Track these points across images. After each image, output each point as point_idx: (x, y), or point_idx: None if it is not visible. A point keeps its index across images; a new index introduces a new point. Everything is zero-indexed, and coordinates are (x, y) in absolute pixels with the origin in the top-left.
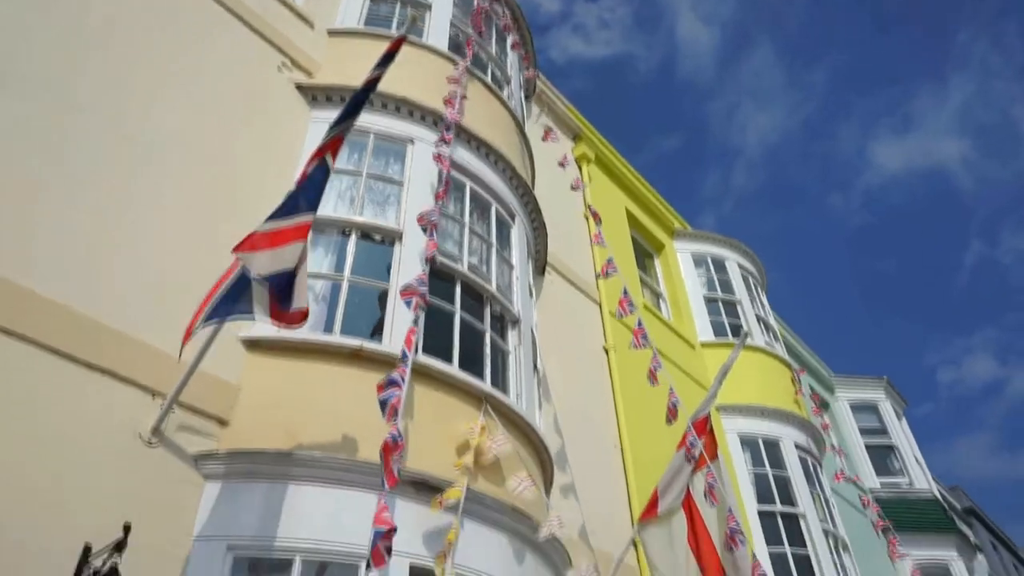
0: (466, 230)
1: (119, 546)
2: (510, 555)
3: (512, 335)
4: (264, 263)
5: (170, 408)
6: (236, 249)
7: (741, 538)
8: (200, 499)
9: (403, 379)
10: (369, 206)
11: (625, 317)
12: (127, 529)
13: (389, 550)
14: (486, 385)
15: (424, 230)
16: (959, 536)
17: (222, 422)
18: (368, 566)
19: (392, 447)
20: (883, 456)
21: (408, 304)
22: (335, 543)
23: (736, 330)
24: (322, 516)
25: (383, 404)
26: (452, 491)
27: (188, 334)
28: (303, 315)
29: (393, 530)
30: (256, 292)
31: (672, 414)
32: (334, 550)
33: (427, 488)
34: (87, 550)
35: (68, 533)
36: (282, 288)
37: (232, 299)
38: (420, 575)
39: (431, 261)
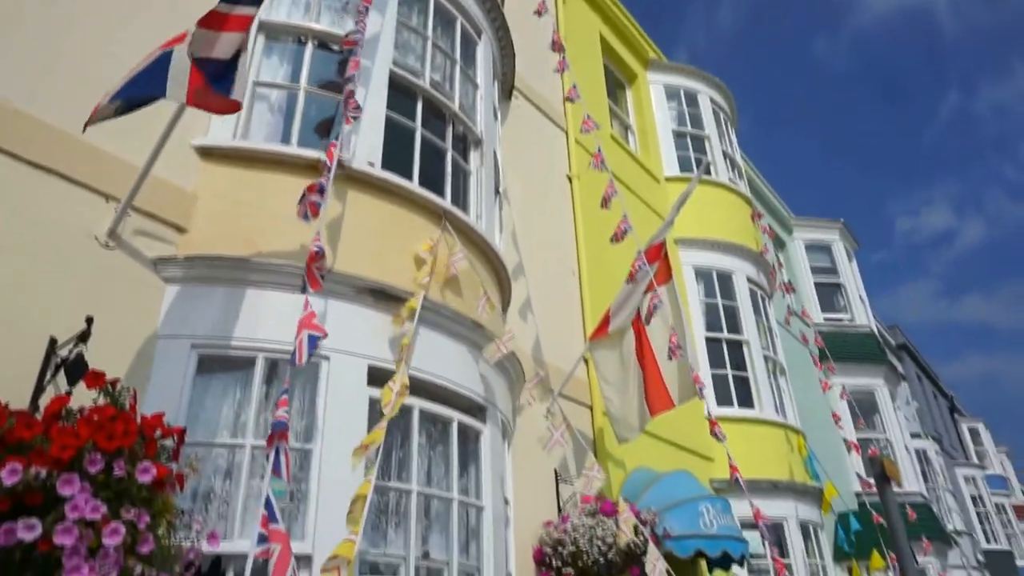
0: (428, 44)
1: (83, 336)
2: (466, 363)
3: (474, 156)
4: (204, 44)
5: (125, 211)
6: (200, 22)
7: (682, 352)
8: (162, 301)
9: (326, 185)
10: (326, 13)
11: (589, 133)
12: (89, 321)
13: (312, 351)
14: (446, 202)
15: (350, 52)
16: (888, 367)
17: (180, 229)
18: (294, 363)
19: (315, 257)
20: (830, 294)
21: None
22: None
23: None
24: (282, 318)
25: (301, 199)
26: (411, 301)
27: (95, 112)
28: (232, 107)
29: (321, 336)
30: (176, 71)
31: (619, 236)
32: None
33: (385, 297)
34: (53, 342)
35: (33, 330)
36: (216, 76)
37: (146, 78)
38: (377, 375)
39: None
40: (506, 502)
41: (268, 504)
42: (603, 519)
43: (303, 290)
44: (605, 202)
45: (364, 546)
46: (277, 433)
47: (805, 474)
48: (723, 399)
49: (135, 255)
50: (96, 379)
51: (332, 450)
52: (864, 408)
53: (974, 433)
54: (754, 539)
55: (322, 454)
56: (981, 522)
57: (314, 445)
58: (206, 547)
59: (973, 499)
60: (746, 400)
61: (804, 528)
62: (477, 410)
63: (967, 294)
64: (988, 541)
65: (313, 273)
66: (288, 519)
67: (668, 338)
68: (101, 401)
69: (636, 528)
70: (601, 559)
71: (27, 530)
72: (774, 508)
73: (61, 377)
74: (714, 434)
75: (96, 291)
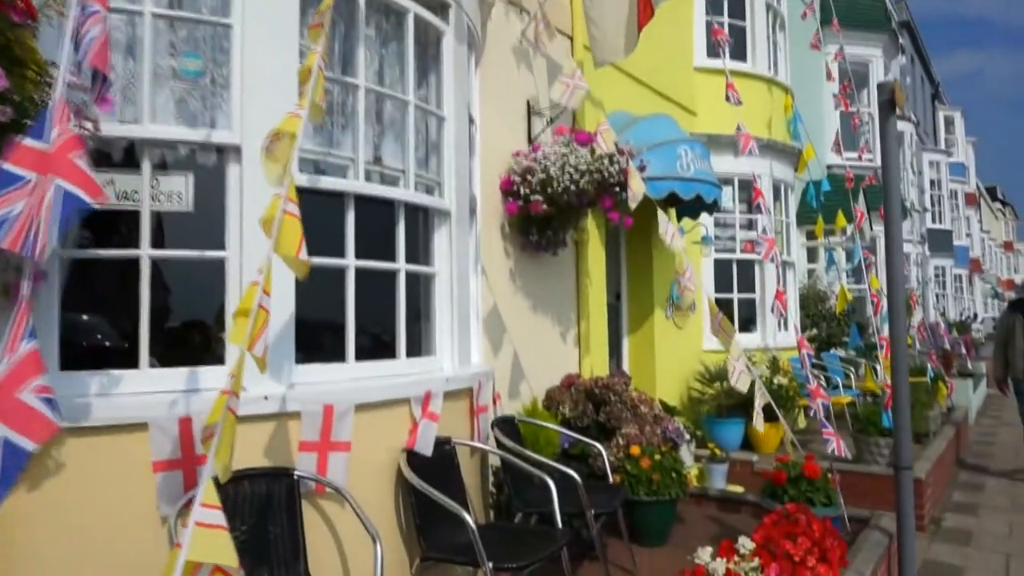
0: None
1: None
2: None
3: None
4: None
5: None
6: None
7: None
8: None
9: None
10: None
11: None
12: None
13: None
14: None
15: None
16: (890, 36)
17: None
18: None
19: None
20: None
21: None
22: None
23: None
24: None
25: None
26: None
27: None
28: None
29: None
30: None
31: None
32: None
33: None
34: None
35: None
36: None
37: None
38: None
39: None
40: (471, 121)
41: None
42: (577, 147)
43: None
44: None
45: (308, 144)
46: None
47: (786, 133)
48: (714, 49)
49: None
50: None
51: (255, 28)
52: (856, 80)
53: (949, 121)
54: (726, 194)
55: (244, 32)
56: (933, 204)
57: (233, 20)
58: (101, 118)
59: (932, 182)
60: (739, 52)
61: (776, 187)
62: (439, 7)
63: None
64: (934, 221)
65: None
66: (210, 108)
67: None
68: None
69: (612, 157)
70: (572, 187)
71: None
72: (750, 165)
73: None
74: (728, 97)
75: None
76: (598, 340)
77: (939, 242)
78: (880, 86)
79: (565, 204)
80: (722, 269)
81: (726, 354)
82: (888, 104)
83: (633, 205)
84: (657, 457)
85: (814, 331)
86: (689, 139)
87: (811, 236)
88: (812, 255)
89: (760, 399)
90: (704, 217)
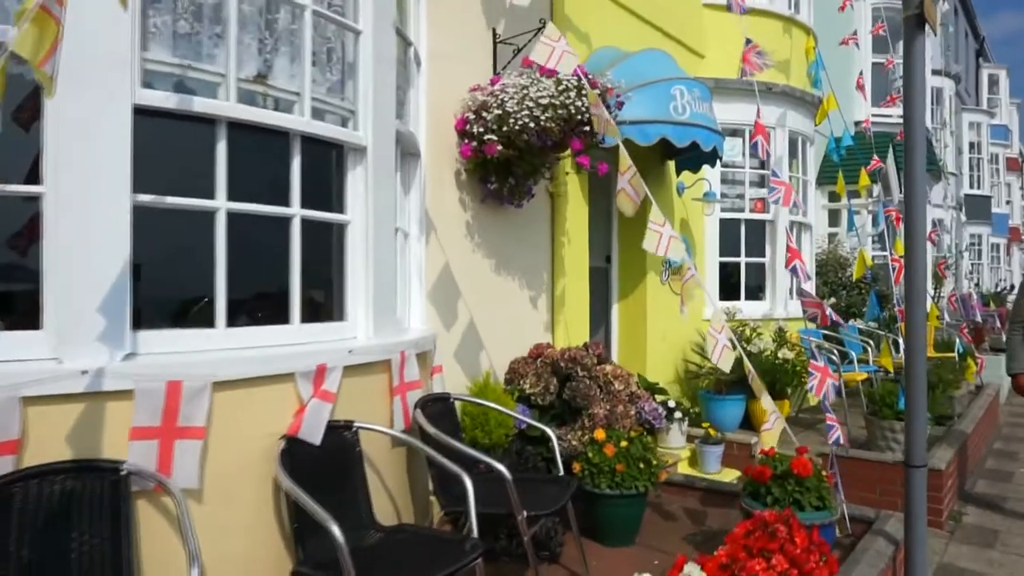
0: None
1: None
2: None
3: None
4: None
5: None
6: None
7: None
8: None
9: None
10: None
11: None
12: None
13: None
14: None
15: None
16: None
17: None
18: None
19: None
20: None
21: None
22: None
23: None
24: None
25: None
26: None
27: None
28: None
29: None
30: None
31: None
32: None
33: None
34: None
35: None
36: None
37: None
38: None
39: None
40: (407, 42)
41: None
42: (540, 79)
43: None
44: None
45: (164, 54)
46: None
47: (806, 81)
48: None
49: None
50: None
51: None
52: (890, 28)
53: (993, 80)
54: (735, 146)
55: None
56: (972, 168)
57: None
58: None
59: (971, 145)
60: None
61: (792, 140)
62: None
63: None
64: (972, 186)
65: None
66: None
67: None
68: None
69: (580, 89)
70: (532, 124)
71: None
72: (764, 114)
73: None
74: (731, 5)
75: None
76: (576, 306)
77: (977, 209)
78: None
79: (525, 145)
80: (729, 230)
81: (729, 324)
82: (915, 20)
83: (598, 143)
84: (624, 443)
85: (832, 300)
86: (687, 78)
87: (833, 197)
88: (833, 219)
89: (754, 381)
90: (708, 171)
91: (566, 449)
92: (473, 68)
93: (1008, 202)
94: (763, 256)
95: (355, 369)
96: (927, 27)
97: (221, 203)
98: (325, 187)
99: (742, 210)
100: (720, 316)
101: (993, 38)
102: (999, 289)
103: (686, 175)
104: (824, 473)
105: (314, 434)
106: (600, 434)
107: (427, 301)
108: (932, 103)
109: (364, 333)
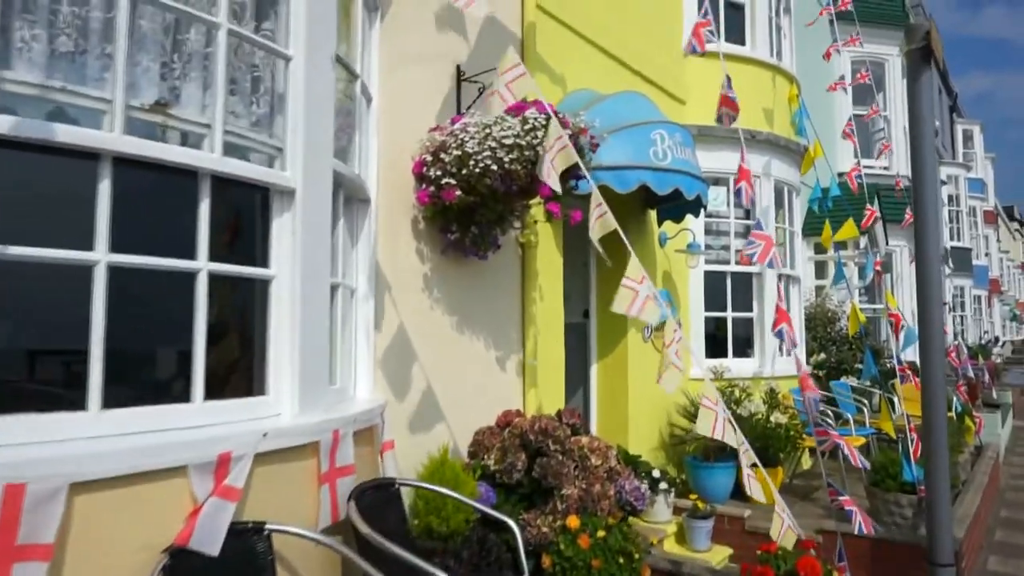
0: None
1: None
2: None
3: None
4: None
5: None
6: None
7: None
8: None
9: None
10: None
11: None
12: None
13: None
14: None
15: None
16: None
17: None
18: None
19: None
20: None
21: None
22: None
23: None
24: None
25: None
26: None
27: None
28: None
29: None
30: None
31: None
32: None
33: None
34: None
35: None
36: None
37: None
38: None
39: None
40: (352, 74)
41: None
42: (505, 117)
43: None
44: None
45: (25, 75)
46: None
47: (790, 128)
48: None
49: None
50: None
51: None
52: (874, 77)
53: (968, 135)
54: (719, 195)
55: None
56: (951, 220)
57: None
58: None
59: (950, 198)
60: (736, 34)
61: (778, 189)
62: None
63: (993, 4)
64: (951, 238)
65: None
66: None
67: None
68: None
69: (550, 128)
70: (494, 166)
71: None
72: (748, 162)
73: None
74: (721, 119)
75: None
76: (551, 367)
77: (958, 261)
78: (909, 30)
79: (488, 190)
80: (714, 283)
81: (716, 384)
82: (920, 53)
83: (550, 183)
84: (601, 533)
85: (822, 356)
86: (668, 122)
87: (819, 249)
88: (820, 270)
89: (745, 458)
90: (692, 222)
91: (535, 537)
92: (434, 107)
93: (987, 254)
94: (751, 310)
95: (272, 456)
96: (932, 61)
97: (100, 255)
98: (245, 236)
99: (727, 262)
100: (712, 388)
101: (965, 96)
102: (984, 342)
103: (669, 225)
104: (833, 571)
105: (211, 542)
106: (573, 522)
107: (377, 367)
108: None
109: (289, 410)
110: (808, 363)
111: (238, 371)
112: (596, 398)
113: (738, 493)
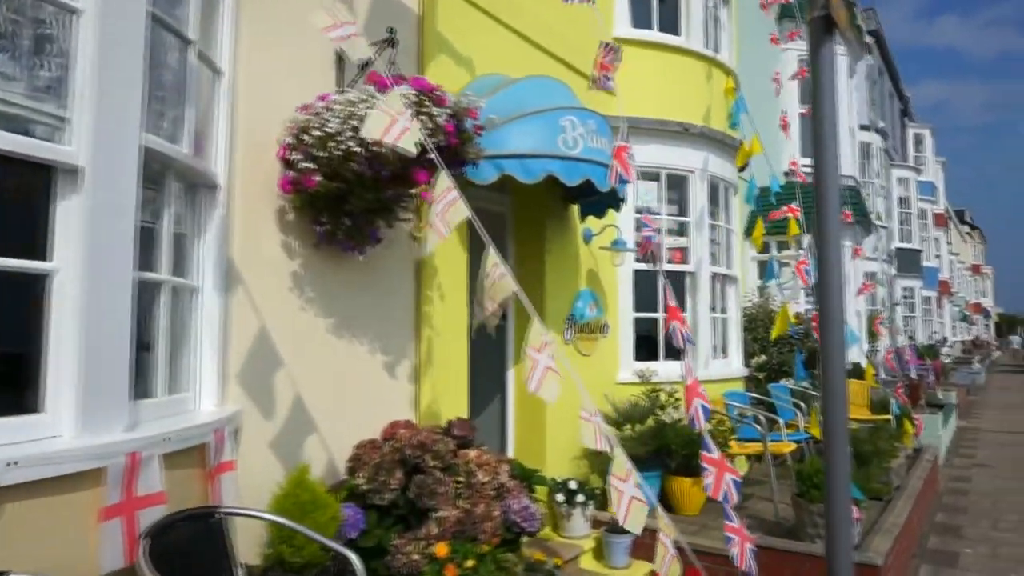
0: None
1: None
2: None
3: None
4: None
5: None
6: None
7: None
8: None
9: None
10: None
11: None
12: None
13: None
14: None
15: None
16: (855, 30)
17: None
18: None
19: None
20: None
21: None
22: None
23: None
24: None
25: None
26: None
27: None
28: None
29: None
30: None
31: None
32: None
33: None
34: None
35: None
36: None
37: None
38: None
39: None
40: (184, 39)
41: None
42: (374, 93)
43: None
44: None
45: None
46: None
47: (725, 122)
48: (641, 19)
49: None
50: None
51: None
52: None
53: (919, 139)
54: (650, 190)
55: None
56: (901, 222)
57: None
58: None
59: (900, 200)
60: (671, 23)
61: (713, 185)
62: None
63: (946, 13)
64: (902, 240)
65: None
66: None
67: None
68: None
69: (423, 104)
70: (359, 148)
71: None
72: (680, 157)
73: None
74: (596, 79)
75: None
76: (452, 373)
77: (908, 262)
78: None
79: (354, 176)
80: (645, 282)
81: (643, 388)
82: (822, 22)
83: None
84: (471, 563)
85: (763, 358)
86: (580, 108)
87: (766, 248)
88: (764, 270)
89: (625, 480)
90: (619, 218)
91: (404, 566)
92: (313, 88)
93: (937, 256)
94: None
95: (36, 487)
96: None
97: None
98: (17, 222)
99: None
100: (539, 333)
101: (917, 104)
102: (933, 342)
103: (592, 221)
104: None
105: None
106: (442, 550)
107: (229, 376)
108: (861, 157)
109: (70, 430)
110: (749, 365)
111: (7, 384)
112: (513, 405)
113: (664, 503)
